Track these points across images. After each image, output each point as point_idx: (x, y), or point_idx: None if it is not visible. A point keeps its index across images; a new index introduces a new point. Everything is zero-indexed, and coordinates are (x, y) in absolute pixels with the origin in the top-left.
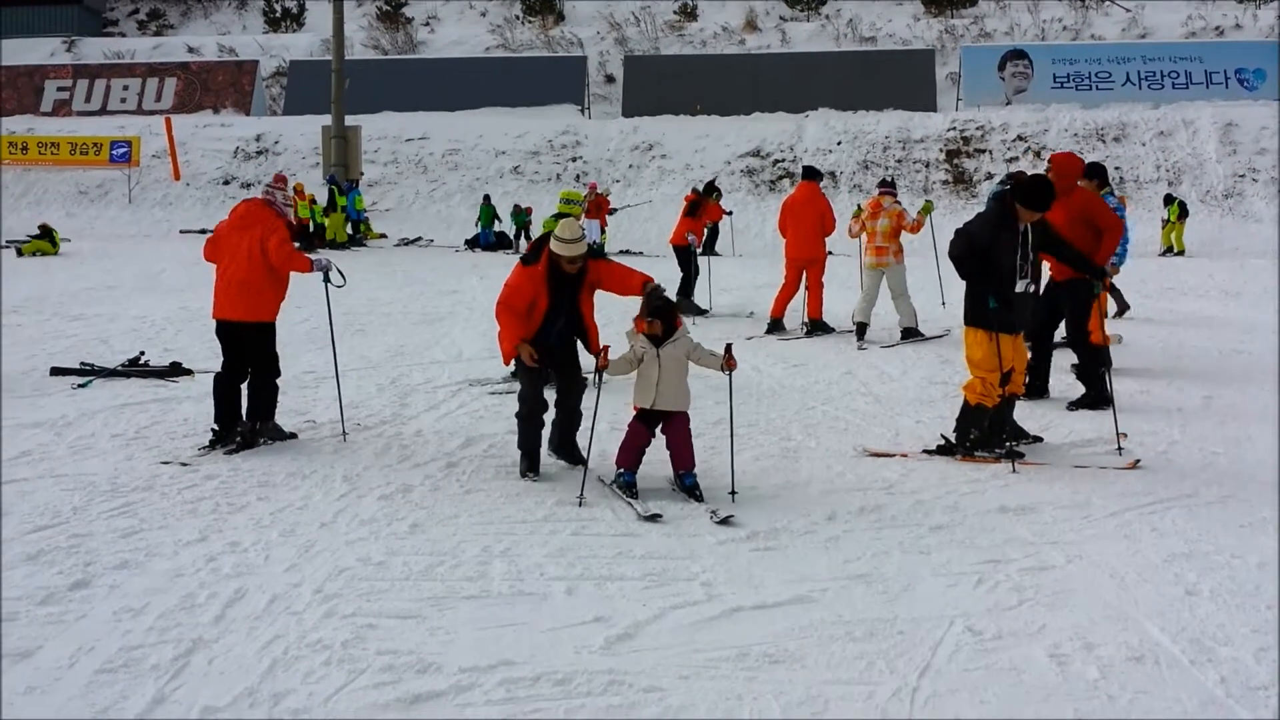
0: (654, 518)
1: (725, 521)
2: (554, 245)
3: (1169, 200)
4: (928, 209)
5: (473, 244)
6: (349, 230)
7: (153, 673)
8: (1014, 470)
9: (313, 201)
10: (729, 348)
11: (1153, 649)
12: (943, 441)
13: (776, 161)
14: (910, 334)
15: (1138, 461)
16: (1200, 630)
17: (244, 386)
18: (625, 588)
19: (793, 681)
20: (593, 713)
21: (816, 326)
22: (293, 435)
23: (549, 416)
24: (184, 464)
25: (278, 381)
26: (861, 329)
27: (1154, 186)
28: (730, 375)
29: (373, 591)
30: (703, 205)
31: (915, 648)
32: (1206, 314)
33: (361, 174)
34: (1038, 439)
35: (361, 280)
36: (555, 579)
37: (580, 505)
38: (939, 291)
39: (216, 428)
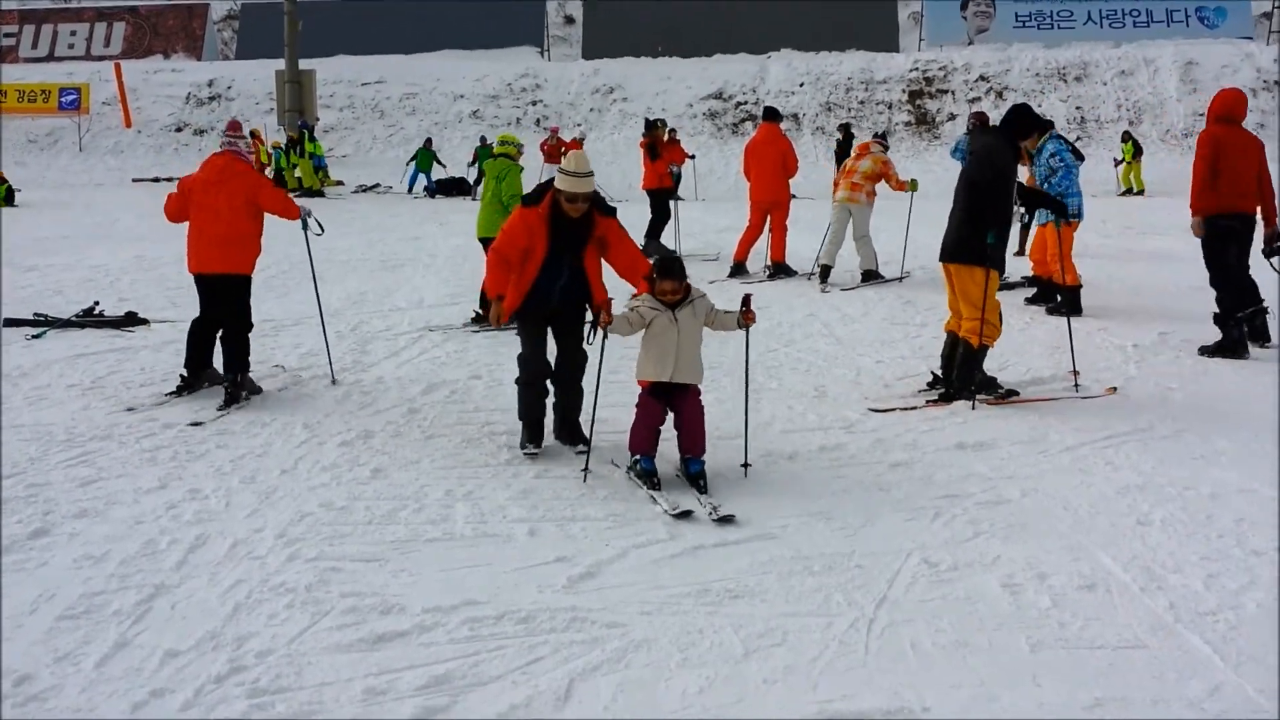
0: (685, 515)
1: (725, 520)
2: (558, 180)
3: (1125, 139)
4: (913, 186)
5: (431, 190)
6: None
7: (115, 618)
8: (973, 408)
9: (275, 147)
10: (747, 299)
11: (1104, 577)
12: (932, 377)
13: (739, 104)
14: (870, 276)
15: (1115, 389)
16: (1151, 559)
17: (218, 338)
18: (588, 528)
19: (752, 615)
20: (555, 648)
21: (779, 269)
22: (260, 389)
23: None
24: (155, 409)
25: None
26: (826, 271)
27: (1115, 126)
28: (748, 330)
29: (335, 536)
30: (660, 145)
31: (873, 580)
32: (1165, 251)
33: (317, 119)
34: (1013, 392)
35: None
36: (518, 521)
37: (585, 480)
38: (903, 242)
39: (185, 374)
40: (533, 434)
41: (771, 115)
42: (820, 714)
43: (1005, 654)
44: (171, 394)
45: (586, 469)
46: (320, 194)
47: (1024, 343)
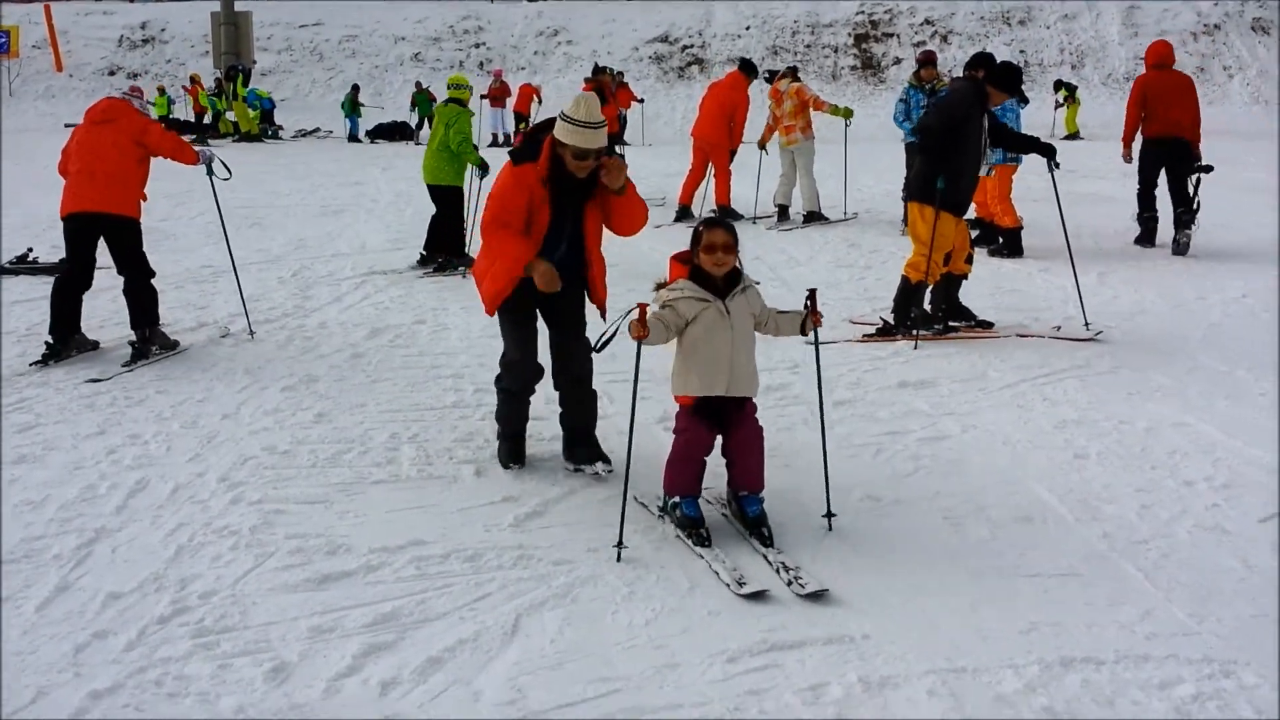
0: (759, 595)
1: (815, 596)
2: (560, 131)
3: (1058, 86)
4: (847, 114)
5: (367, 136)
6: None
7: (55, 562)
8: (915, 347)
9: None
10: (813, 295)
11: (1041, 509)
12: (881, 324)
13: (685, 48)
14: (814, 217)
15: (1100, 332)
16: (1087, 491)
17: (113, 297)
18: (536, 468)
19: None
20: (502, 585)
21: (725, 213)
22: (177, 344)
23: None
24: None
25: (154, 284)
26: (783, 211)
27: (1057, 70)
28: (816, 337)
29: (279, 479)
30: (607, 90)
31: (816, 515)
32: (1105, 194)
33: (254, 62)
34: (987, 324)
35: (260, 173)
36: (465, 462)
37: (620, 559)
38: (844, 183)
39: (51, 340)
40: (515, 451)
41: (746, 68)
42: (764, 643)
43: (945, 583)
44: (37, 364)
45: (620, 544)
46: (258, 139)
47: (966, 283)
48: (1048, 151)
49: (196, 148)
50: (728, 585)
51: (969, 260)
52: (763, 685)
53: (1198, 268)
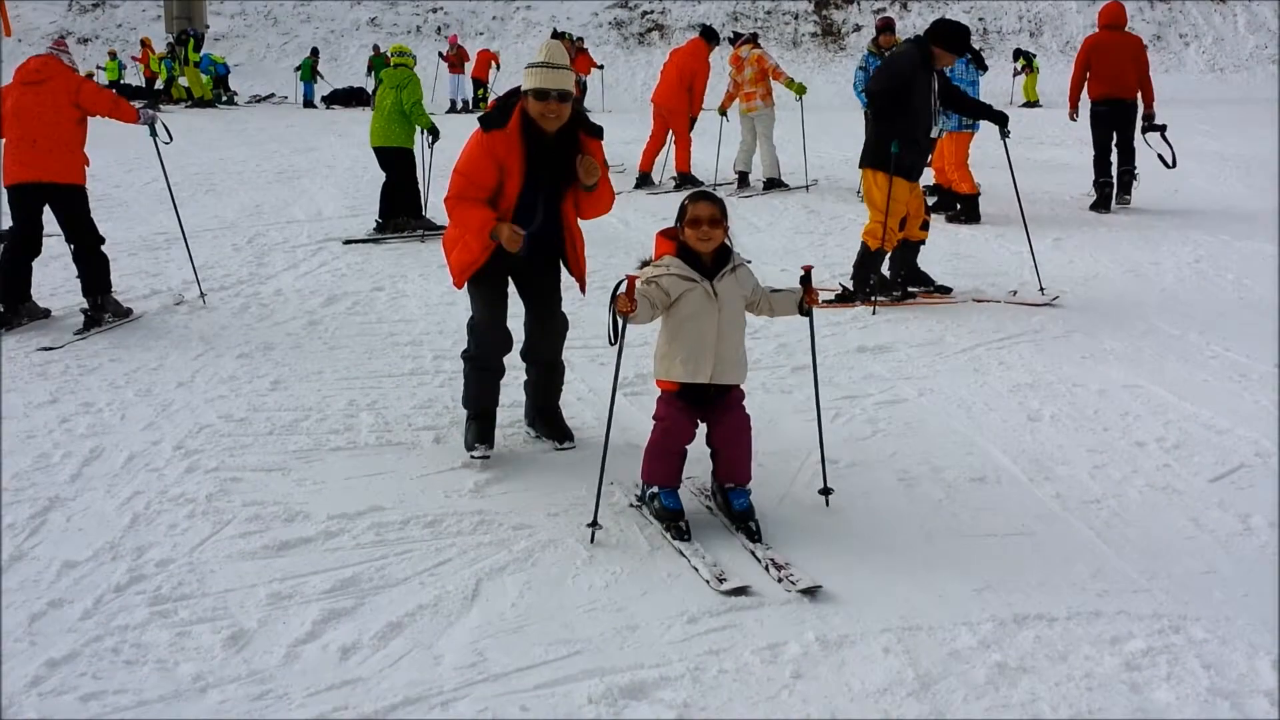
0: (739, 591)
1: (810, 593)
2: (526, 78)
3: (1017, 55)
4: (800, 90)
5: (323, 101)
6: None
7: (9, 532)
8: (874, 313)
9: (163, 59)
10: (809, 273)
11: (995, 470)
12: (840, 289)
13: (645, 13)
14: (773, 184)
15: (1056, 297)
16: (1040, 452)
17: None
18: (496, 433)
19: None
20: (462, 550)
21: (685, 179)
22: (130, 311)
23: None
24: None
25: (104, 250)
26: (743, 178)
27: (1016, 38)
28: (811, 317)
29: (236, 447)
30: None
31: (774, 478)
32: (1062, 161)
33: (207, 26)
34: (945, 289)
35: (214, 139)
36: (424, 429)
37: (593, 540)
38: (803, 151)
39: (1, 308)
40: (483, 431)
41: (707, 35)
42: (723, 604)
43: (900, 543)
44: None
45: (595, 522)
46: (211, 104)
47: (924, 250)
48: (1000, 119)
49: (137, 107)
50: (708, 582)
51: (925, 227)
52: (722, 645)
53: (1151, 233)
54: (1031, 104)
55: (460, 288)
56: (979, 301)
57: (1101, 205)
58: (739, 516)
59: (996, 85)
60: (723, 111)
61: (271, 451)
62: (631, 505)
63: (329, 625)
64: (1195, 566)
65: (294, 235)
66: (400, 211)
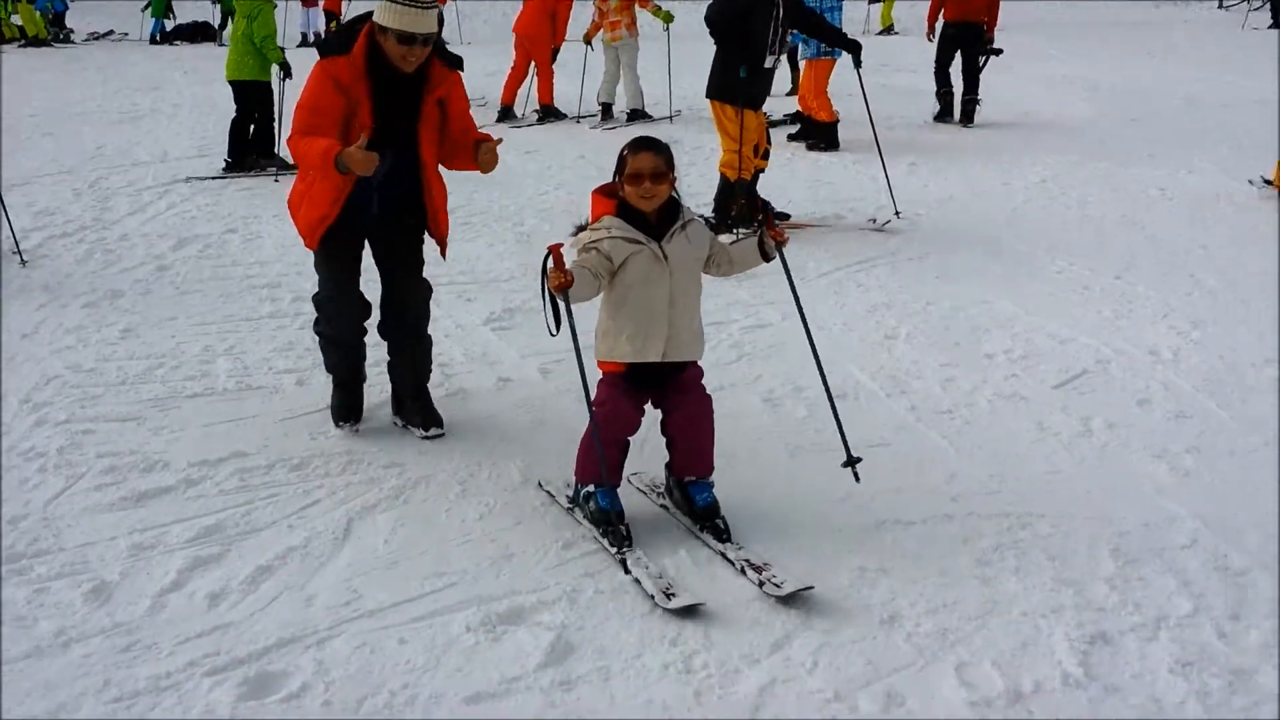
0: (690, 610)
1: (793, 598)
2: (382, 13)
3: None
4: (668, 18)
5: (165, 38)
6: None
7: None
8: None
9: None
10: (766, 207)
11: (854, 386)
12: (703, 220)
13: None
14: (637, 115)
15: (887, 222)
16: (896, 368)
17: None
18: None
19: (529, 447)
20: (331, 491)
21: (548, 112)
22: None
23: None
24: None
25: None
26: (606, 109)
27: None
28: (783, 256)
29: (86, 398)
30: None
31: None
32: (918, 87)
33: None
34: (784, 215)
35: (52, 80)
36: (285, 372)
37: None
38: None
39: None
40: (347, 406)
41: None
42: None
43: (766, 460)
44: None
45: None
46: (46, 43)
47: (785, 178)
48: (854, 48)
49: None
50: (652, 597)
51: (765, 155)
52: (597, 567)
53: (1002, 156)
54: (887, 30)
55: (314, 248)
56: (831, 227)
57: (945, 115)
58: (703, 514)
59: (853, 11)
60: (588, 41)
61: (125, 401)
62: (565, 509)
63: (195, 573)
64: (1040, 468)
65: (139, 178)
66: (251, 149)
